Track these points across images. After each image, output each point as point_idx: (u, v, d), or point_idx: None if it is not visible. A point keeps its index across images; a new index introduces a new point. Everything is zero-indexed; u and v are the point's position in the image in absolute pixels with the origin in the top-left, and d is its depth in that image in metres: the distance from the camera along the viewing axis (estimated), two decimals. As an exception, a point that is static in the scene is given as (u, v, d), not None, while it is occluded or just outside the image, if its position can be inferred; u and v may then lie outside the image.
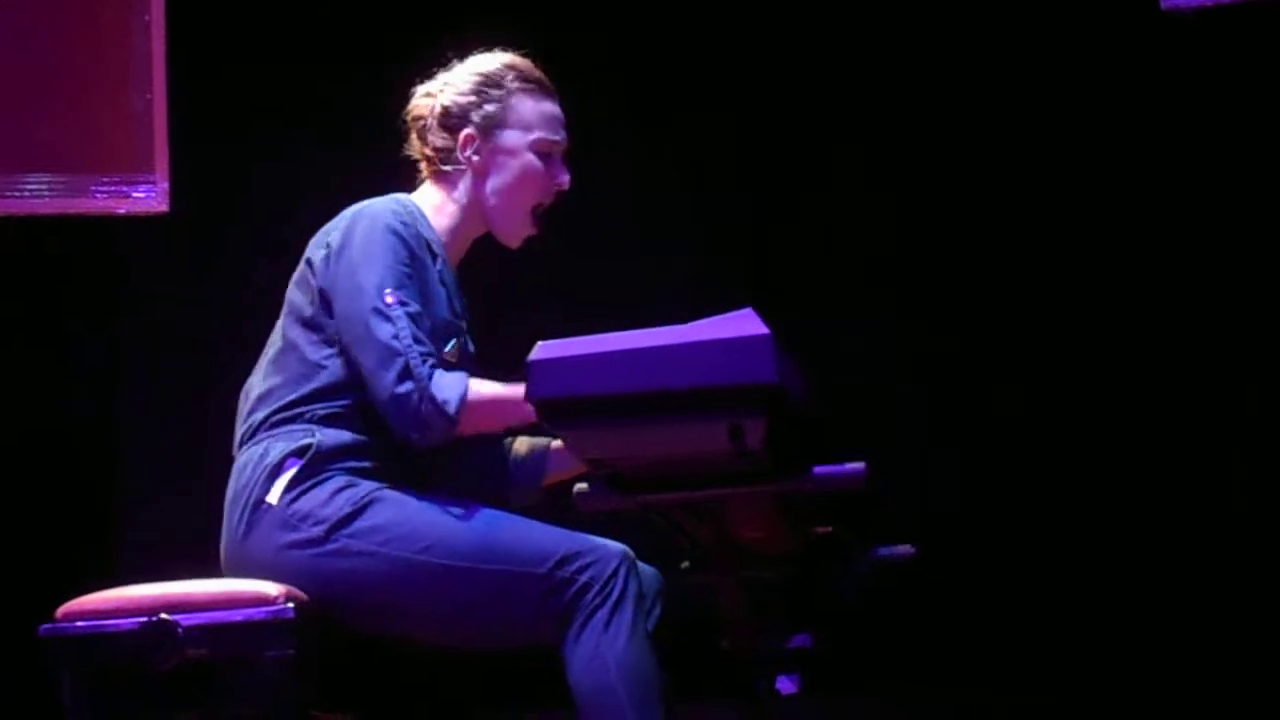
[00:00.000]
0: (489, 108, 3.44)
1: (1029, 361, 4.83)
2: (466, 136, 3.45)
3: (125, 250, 4.85)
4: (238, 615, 3.12)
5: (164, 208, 4.69)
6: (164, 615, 3.12)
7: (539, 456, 3.42)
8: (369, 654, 3.31)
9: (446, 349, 3.32)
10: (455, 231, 3.45)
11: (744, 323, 2.74)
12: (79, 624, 3.17)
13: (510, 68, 3.47)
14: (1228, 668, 4.58)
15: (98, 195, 4.66)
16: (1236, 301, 4.70)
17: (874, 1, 4.94)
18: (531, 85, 3.46)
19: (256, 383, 3.37)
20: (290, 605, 3.12)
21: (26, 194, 4.63)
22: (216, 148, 4.83)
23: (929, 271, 4.89)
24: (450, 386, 3.21)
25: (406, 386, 3.20)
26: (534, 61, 3.49)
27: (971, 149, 4.89)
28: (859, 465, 2.85)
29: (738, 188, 4.98)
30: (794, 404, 2.80)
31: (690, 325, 2.77)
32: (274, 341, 3.39)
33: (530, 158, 3.44)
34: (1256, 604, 4.59)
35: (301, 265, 3.39)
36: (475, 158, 3.44)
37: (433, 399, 3.19)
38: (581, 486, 2.92)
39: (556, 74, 3.52)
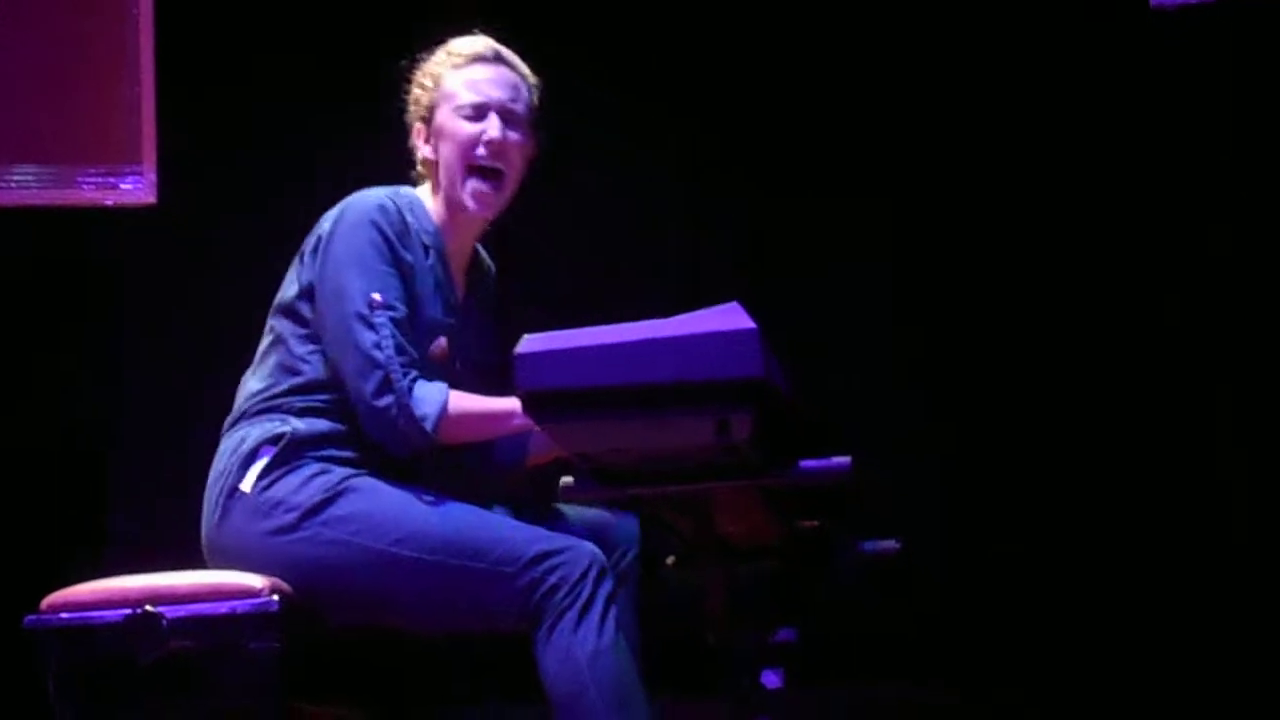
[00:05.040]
0: (425, 96, 3.43)
1: (1018, 354, 4.83)
2: (415, 130, 3.45)
3: (113, 242, 4.84)
4: (222, 607, 3.13)
5: (152, 199, 4.68)
6: (149, 607, 3.13)
7: (520, 437, 3.41)
8: (352, 646, 3.31)
9: (433, 347, 3.32)
10: (448, 225, 3.44)
11: (731, 316, 2.74)
12: (64, 615, 3.17)
13: (445, 52, 3.45)
14: (1214, 661, 4.59)
15: (85, 187, 4.65)
16: (1230, 298, 4.70)
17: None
18: (460, 59, 3.43)
19: (248, 374, 3.40)
20: (275, 597, 3.13)
21: (13, 185, 4.62)
22: (205, 139, 4.82)
23: (919, 265, 4.89)
24: (430, 401, 3.21)
25: (385, 400, 3.21)
26: (481, 35, 3.45)
27: (962, 147, 4.88)
28: (845, 459, 2.85)
29: (725, 179, 4.97)
30: (780, 398, 2.80)
31: (677, 319, 2.77)
32: (266, 332, 3.40)
33: (460, 124, 3.40)
34: (1242, 593, 4.61)
35: (295, 256, 3.39)
36: (426, 147, 3.43)
37: (410, 414, 3.20)
38: (567, 479, 2.91)
39: (544, 63, 3.51)
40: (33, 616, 3.18)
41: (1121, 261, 4.79)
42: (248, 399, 3.35)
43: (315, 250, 3.34)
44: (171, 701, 3.13)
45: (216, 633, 3.11)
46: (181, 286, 4.90)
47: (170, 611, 3.12)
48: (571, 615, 3.12)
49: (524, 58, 3.51)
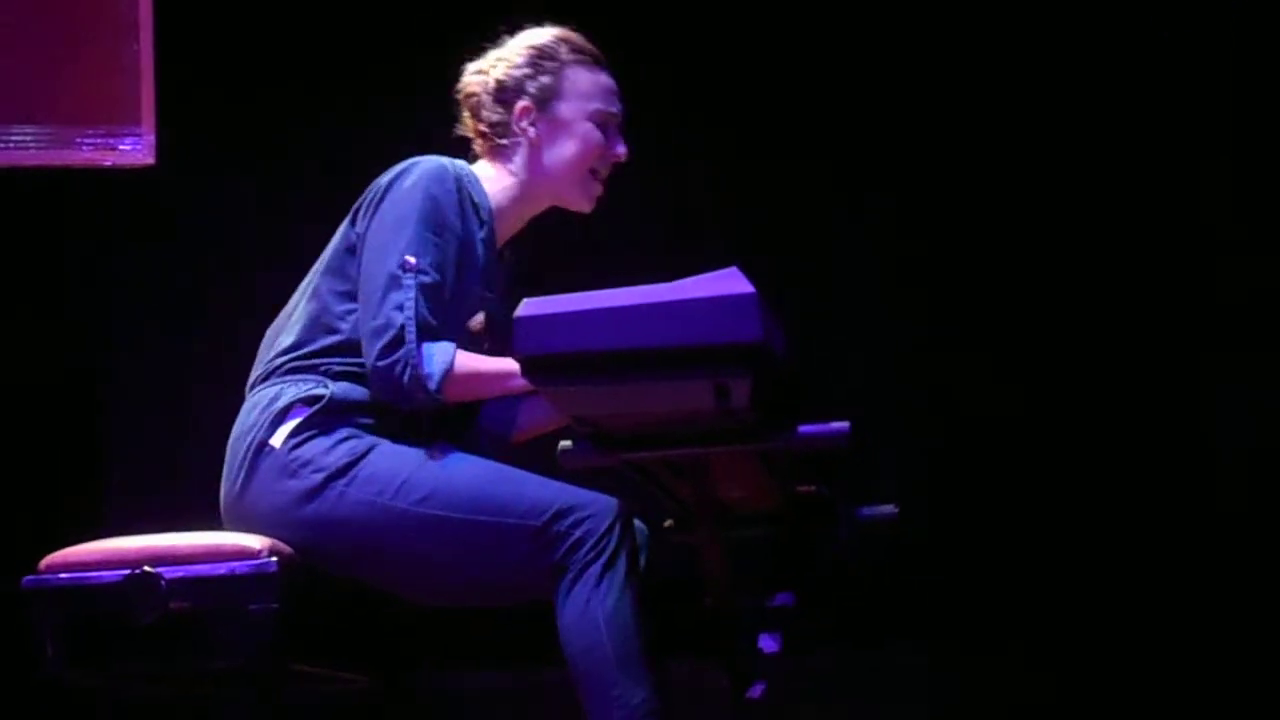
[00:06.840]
0: (544, 79, 3.45)
1: (1016, 319, 4.84)
2: (522, 108, 3.45)
3: (112, 202, 4.84)
4: (221, 568, 3.12)
5: (150, 160, 4.67)
6: (147, 568, 3.13)
7: (508, 406, 3.41)
8: (352, 607, 3.31)
9: (472, 321, 3.32)
10: (510, 207, 3.46)
11: (729, 281, 2.74)
12: (62, 575, 3.17)
13: (563, 40, 3.47)
14: (1204, 634, 4.61)
15: (84, 147, 4.64)
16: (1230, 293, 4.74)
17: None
18: (585, 57, 3.47)
19: (283, 326, 3.39)
20: (273, 559, 3.13)
21: (11, 145, 4.61)
22: (205, 100, 4.81)
23: (917, 230, 4.89)
24: (436, 360, 3.21)
25: (392, 358, 3.21)
26: (585, 35, 3.49)
27: (958, 116, 4.89)
28: (843, 424, 2.85)
29: (723, 144, 4.97)
30: (778, 363, 2.81)
31: (676, 283, 2.77)
32: (306, 283, 3.40)
33: (589, 127, 3.45)
34: (1227, 553, 4.64)
35: (348, 213, 3.39)
36: (531, 129, 3.44)
37: (416, 372, 3.20)
38: (566, 444, 2.92)
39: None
40: (31, 577, 3.18)
41: (1117, 235, 4.81)
42: (279, 355, 3.34)
43: (367, 207, 3.34)
44: (170, 662, 3.14)
45: (215, 594, 3.11)
46: (178, 246, 4.90)
47: (169, 572, 3.12)
48: (596, 569, 3.12)
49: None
